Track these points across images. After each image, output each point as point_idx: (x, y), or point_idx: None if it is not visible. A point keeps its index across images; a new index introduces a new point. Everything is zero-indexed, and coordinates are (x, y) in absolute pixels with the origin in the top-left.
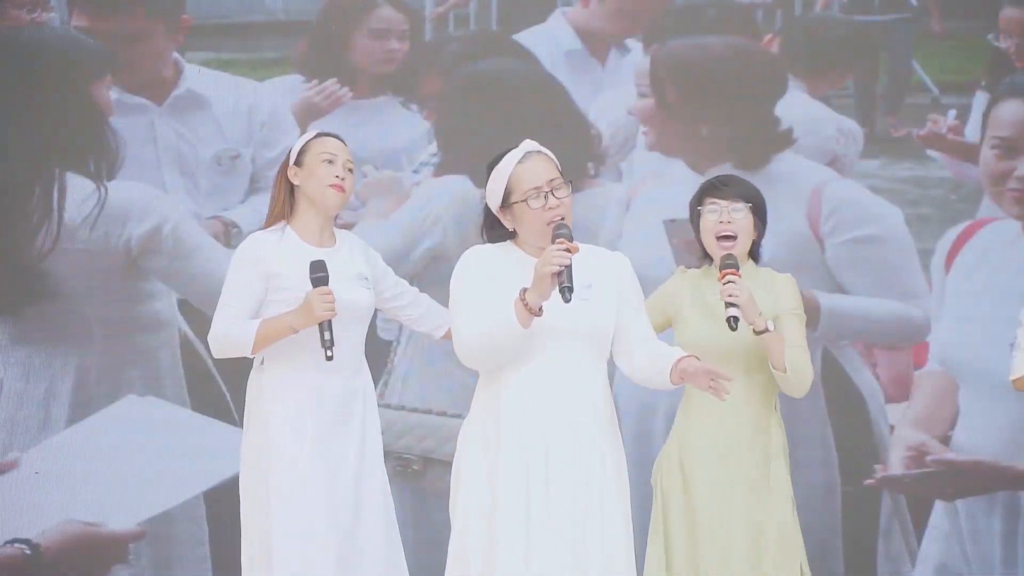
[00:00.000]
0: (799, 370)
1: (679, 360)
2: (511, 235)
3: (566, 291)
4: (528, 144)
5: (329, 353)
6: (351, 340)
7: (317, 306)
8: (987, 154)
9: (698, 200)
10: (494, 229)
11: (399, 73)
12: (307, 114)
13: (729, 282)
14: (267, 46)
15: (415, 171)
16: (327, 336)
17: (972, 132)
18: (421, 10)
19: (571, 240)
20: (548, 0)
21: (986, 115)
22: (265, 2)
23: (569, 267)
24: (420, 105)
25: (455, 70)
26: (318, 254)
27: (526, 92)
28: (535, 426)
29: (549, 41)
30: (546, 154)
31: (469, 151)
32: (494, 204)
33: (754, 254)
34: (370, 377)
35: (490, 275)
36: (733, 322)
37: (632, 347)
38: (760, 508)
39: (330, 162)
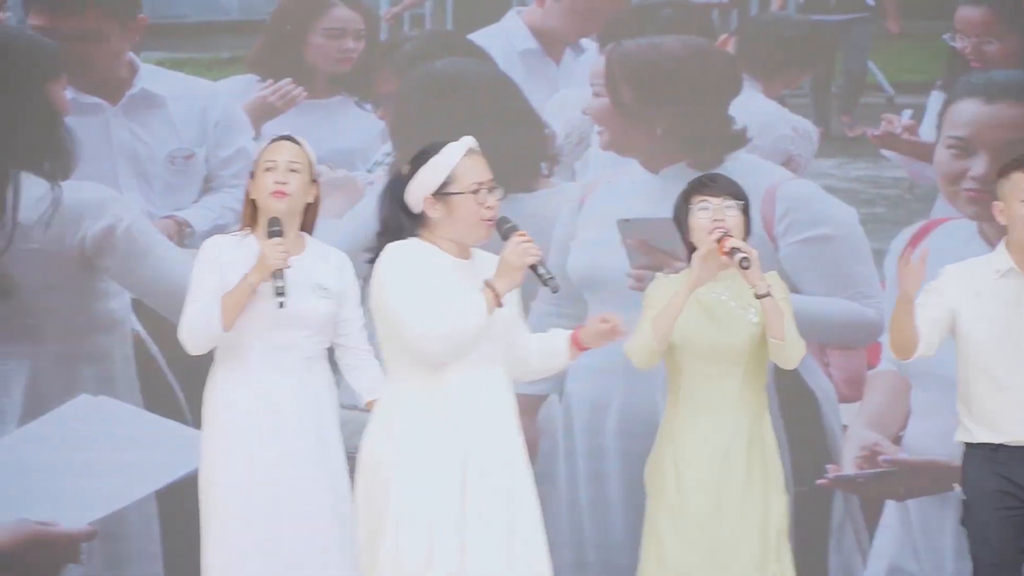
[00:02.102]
0: (794, 342)
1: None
2: (409, 232)
3: (552, 281)
4: (470, 140)
5: (280, 300)
6: (300, 348)
7: (269, 255)
8: (942, 154)
9: (686, 199)
10: (396, 221)
11: (354, 73)
12: (261, 114)
13: (727, 235)
14: (222, 46)
15: (369, 170)
16: (279, 284)
17: (927, 132)
18: (376, 10)
19: (518, 229)
20: (503, 0)
21: (941, 115)
22: (220, 2)
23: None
24: (375, 104)
25: (410, 70)
26: None
27: (481, 92)
28: (481, 422)
29: (504, 41)
30: (483, 156)
31: None
32: (425, 191)
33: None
34: (331, 385)
35: (425, 271)
36: (744, 262)
37: (521, 337)
38: (764, 507)
39: (270, 169)
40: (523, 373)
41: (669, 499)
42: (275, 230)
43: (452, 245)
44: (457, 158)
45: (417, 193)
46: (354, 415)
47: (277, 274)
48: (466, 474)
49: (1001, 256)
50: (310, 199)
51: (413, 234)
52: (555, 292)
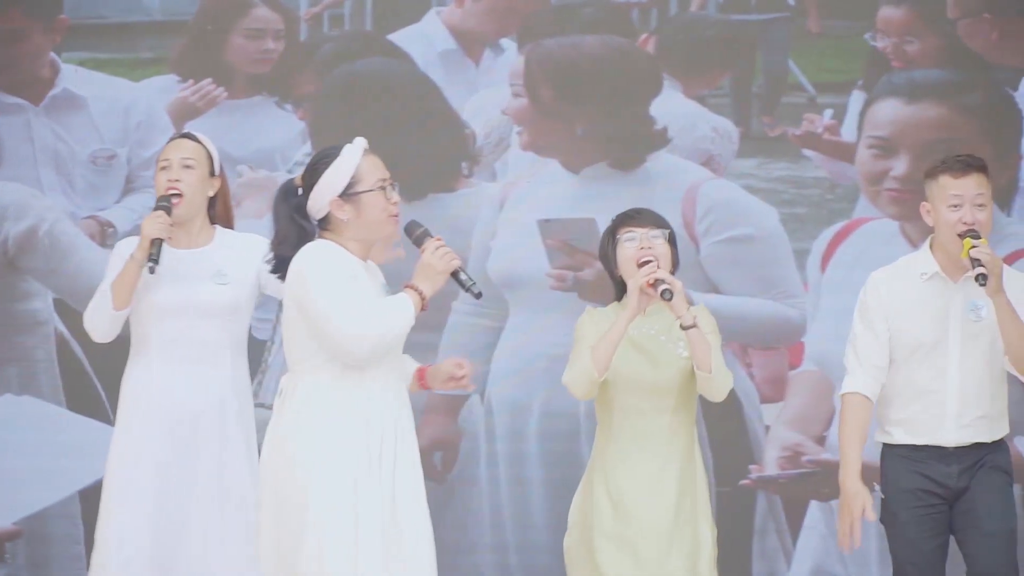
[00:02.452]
0: (722, 374)
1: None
2: (312, 238)
3: (475, 287)
4: (363, 141)
5: (151, 265)
6: (201, 338)
7: (145, 224)
8: (863, 154)
9: (612, 233)
10: (297, 229)
11: (274, 73)
12: (182, 114)
13: (647, 262)
14: (144, 46)
15: (289, 171)
16: (153, 251)
17: (848, 132)
18: (296, 10)
19: (431, 235)
20: (423, 0)
21: (863, 115)
22: (142, 2)
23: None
24: (295, 105)
25: (330, 70)
26: (179, 255)
27: (400, 92)
28: (393, 423)
29: (423, 41)
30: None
31: None
32: (331, 193)
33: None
34: (240, 377)
35: (347, 271)
36: (667, 293)
37: None
38: (694, 538)
39: (164, 168)
40: None
41: (607, 528)
42: (163, 205)
43: (357, 246)
44: (359, 158)
45: (323, 197)
46: (258, 412)
47: (155, 242)
48: (382, 474)
49: (926, 259)
50: (211, 192)
51: (320, 237)
52: (478, 298)
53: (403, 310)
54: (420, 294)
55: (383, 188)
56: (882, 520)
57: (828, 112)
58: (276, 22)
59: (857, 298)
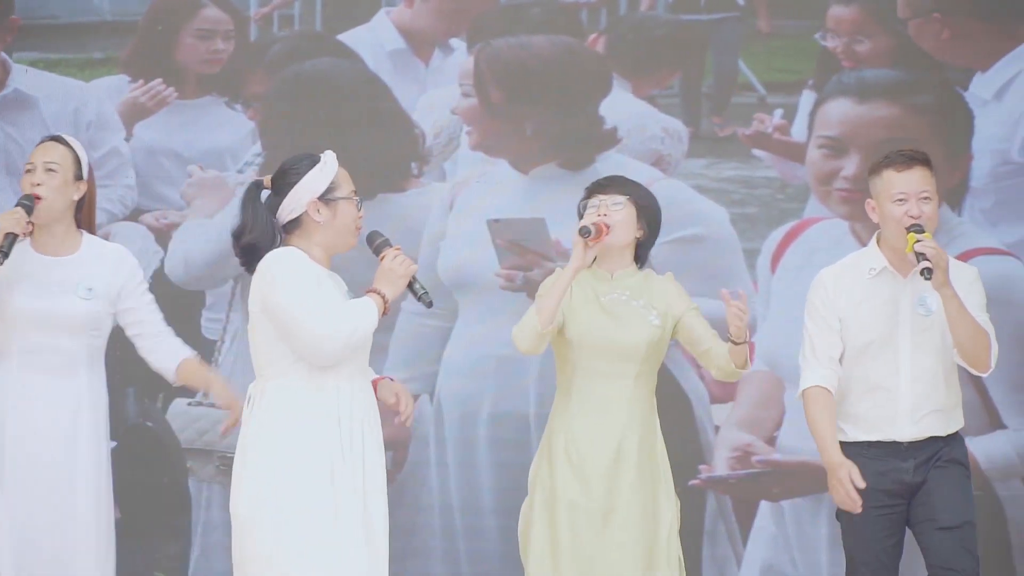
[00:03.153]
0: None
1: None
2: (280, 239)
3: (426, 296)
4: (333, 155)
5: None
6: (61, 349)
7: (2, 220)
8: (814, 154)
9: (584, 202)
10: (270, 228)
11: (224, 73)
12: (133, 114)
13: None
14: (94, 47)
15: (239, 171)
16: (4, 245)
17: (799, 131)
18: (246, 11)
19: (391, 244)
20: (372, 0)
21: (813, 114)
22: (92, 3)
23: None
24: (244, 105)
25: (279, 70)
26: (45, 262)
27: (350, 92)
28: (364, 419)
29: (373, 41)
30: None
31: (293, 151)
32: (312, 194)
33: (638, 256)
34: (97, 389)
35: (314, 275)
36: (584, 231)
37: None
38: (654, 508)
39: (29, 171)
40: None
41: (566, 492)
42: (24, 203)
43: (321, 254)
44: (336, 167)
45: (303, 197)
46: (225, 415)
47: (8, 236)
48: (354, 470)
49: (874, 255)
50: (75, 196)
51: (283, 243)
52: (428, 307)
53: (368, 312)
54: (383, 298)
55: (354, 199)
56: (837, 517)
57: (778, 112)
58: (226, 22)
59: (805, 296)
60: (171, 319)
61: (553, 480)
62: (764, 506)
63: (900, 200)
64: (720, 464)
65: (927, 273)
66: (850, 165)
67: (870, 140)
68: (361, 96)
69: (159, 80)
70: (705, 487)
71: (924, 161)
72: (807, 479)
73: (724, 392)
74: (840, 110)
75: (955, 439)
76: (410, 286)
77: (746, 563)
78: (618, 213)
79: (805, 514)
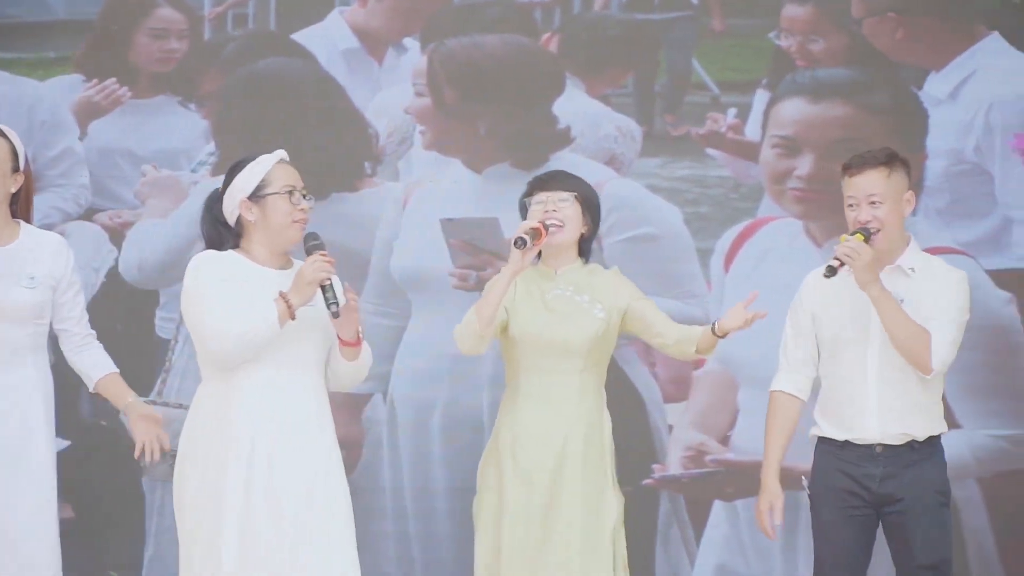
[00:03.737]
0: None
1: None
2: (232, 244)
3: (334, 307)
4: (283, 152)
5: None
6: (5, 338)
7: None
8: (768, 153)
9: (527, 196)
10: (217, 232)
11: (178, 72)
12: (87, 113)
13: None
14: (48, 46)
15: (193, 170)
16: None
17: (752, 131)
18: (200, 10)
19: (324, 249)
20: (326, 0)
21: (767, 114)
22: (47, 2)
23: (331, 282)
24: (198, 104)
25: (233, 69)
26: None
27: (304, 92)
28: (276, 424)
29: (327, 40)
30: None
31: (247, 150)
32: (243, 194)
33: (582, 250)
34: (43, 375)
35: (224, 279)
36: (519, 242)
37: None
38: (598, 504)
39: None
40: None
41: (508, 490)
42: None
43: (267, 255)
44: (270, 164)
45: (234, 198)
46: (179, 413)
47: None
48: (252, 475)
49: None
50: (13, 188)
51: (233, 246)
52: (335, 317)
53: (267, 315)
54: (288, 303)
55: (289, 193)
56: (812, 514)
57: (732, 111)
58: (180, 22)
59: (761, 298)
60: (125, 318)
61: (499, 478)
62: (718, 506)
63: (851, 205)
64: (674, 463)
65: (828, 271)
66: (804, 164)
67: (824, 140)
68: (315, 95)
69: (113, 79)
70: (658, 486)
71: (880, 163)
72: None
73: (678, 391)
74: (794, 109)
75: (932, 456)
76: (323, 292)
77: (699, 563)
78: (566, 210)
79: None
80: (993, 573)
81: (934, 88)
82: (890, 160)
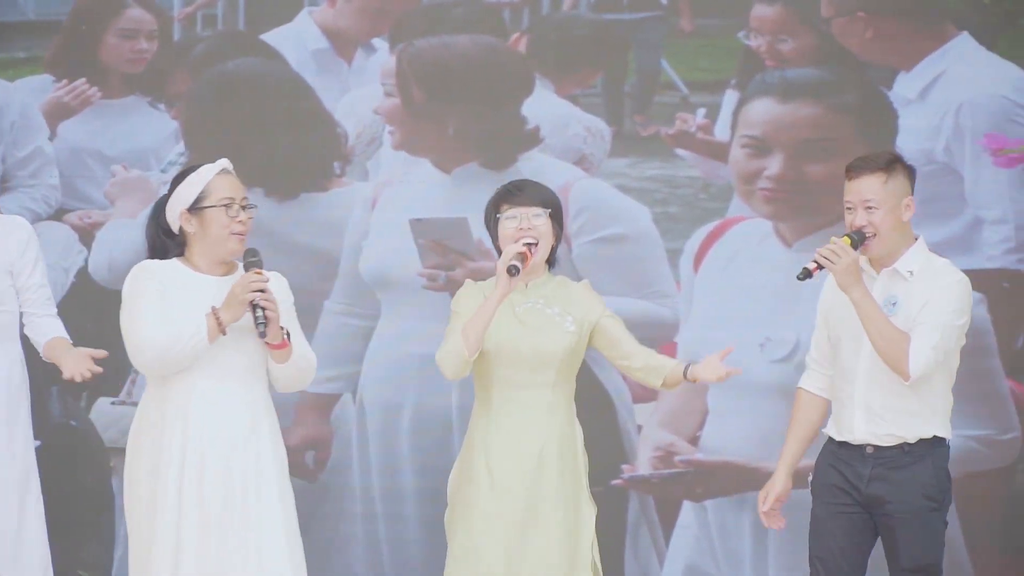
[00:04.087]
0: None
1: None
2: (177, 253)
3: (261, 326)
4: (225, 162)
5: None
6: None
7: None
8: (737, 153)
9: (495, 208)
10: (169, 238)
11: (147, 73)
12: (56, 114)
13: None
14: (18, 46)
15: (163, 170)
16: None
17: (722, 131)
18: (169, 10)
19: (261, 266)
20: (295, 0)
21: (736, 114)
22: (16, 2)
23: (259, 305)
24: (168, 105)
25: (203, 70)
26: None
27: (273, 91)
28: (210, 432)
29: (296, 41)
30: (236, 177)
31: (216, 150)
32: (183, 205)
33: (550, 260)
34: (18, 361)
35: (160, 290)
36: (513, 270)
37: None
38: (575, 516)
39: None
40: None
41: (484, 505)
42: None
43: (208, 263)
44: (210, 176)
45: (175, 209)
46: (128, 410)
47: None
48: (183, 484)
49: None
50: None
51: (178, 255)
52: (262, 338)
53: (196, 330)
54: (218, 318)
55: (226, 206)
56: (812, 508)
57: (701, 111)
58: (149, 22)
59: (730, 298)
60: (95, 319)
61: (473, 493)
62: (687, 506)
63: (848, 209)
64: (643, 464)
65: (803, 273)
66: (773, 165)
67: (793, 140)
68: (284, 96)
69: (83, 80)
70: (628, 487)
71: (879, 168)
72: (730, 479)
73: (646, 392)
74: (763, 109)
75: (926, 454)
76: (252, 311)
77: (669, 562)
78: (540, 227)
79: (728, 514)
80: (963, 572)
81: (904, 88)
82: (890, 165)
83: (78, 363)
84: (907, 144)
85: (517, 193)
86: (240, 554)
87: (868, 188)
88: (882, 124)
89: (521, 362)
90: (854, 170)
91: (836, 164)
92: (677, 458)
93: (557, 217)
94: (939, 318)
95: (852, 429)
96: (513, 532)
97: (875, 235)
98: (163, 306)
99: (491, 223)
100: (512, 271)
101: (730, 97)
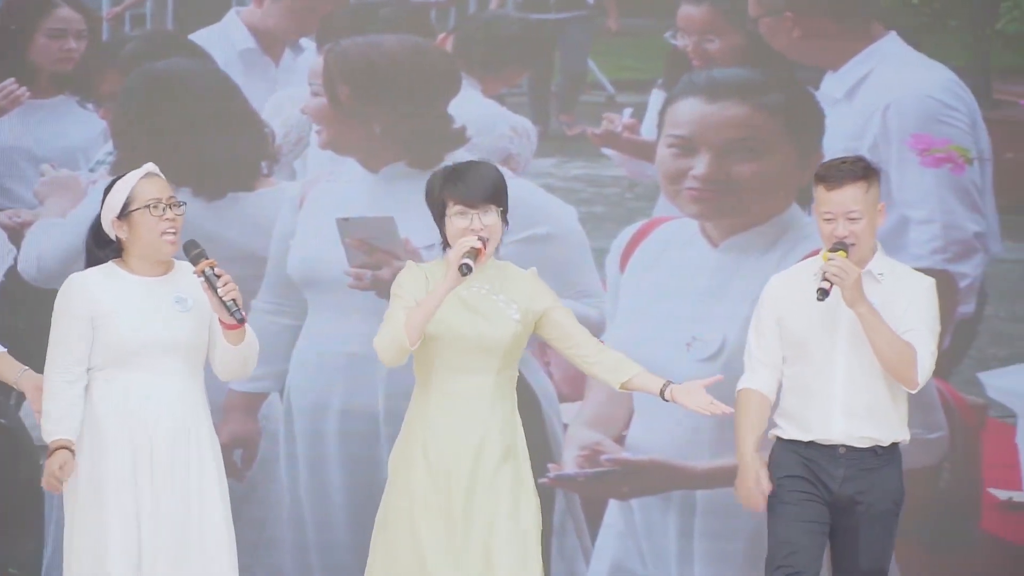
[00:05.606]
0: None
1: None
2: (115, 254)
3: (237, 313)
4: (150, 165)
5: None
6: None
7: None
8: (663, 153)
9: (440, 199)
10: (101, 248)
11: (76, 72)
12: None
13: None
14: None
15: (92, 169)
16: None
17: (648, 131)
18: (98, 10)
19: (206, 256)
20: (223, 0)
21: (662, 114)
22: None
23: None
24: (96, 104)
25: (131, 69)
26: None
27: (200, 91)
28: (153, 428)
29: (224, 40)
30: (162, 177)
31: (145, 150)
32: (112, 214)
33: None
34: None
35: (78, 316)
36: (464, 268)
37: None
38: (515, 505)
39: None
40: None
41: (421, 493)
42: None
43: (144, 265)
44: (135, 181)
45: (107, 218)
46: None
47: None
48: (137, 478)
49: (819, 259)
50: None
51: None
52: (231, 315)
53: (52, 425)
54: (70, 449)
55: (151, 206)
56: (768, 506)
57: (627, 111)
58: (78, 22)
59: (656, 298)
60: (26, 316)
61: (410, 481)
62: (613, 504)
63: (828, 219)
64: (569, 462)
65: (820, 294)
66: (700, 164)
67: (720, 139)
68: (211, 96)
69: (12, 79)
70: (554, 485)
71: (859, 177)
72: (656, 477)
73: (572, 391)
74: (690, 109)
75: (892, 457)
76: (214, 292)
77: (595, 561)
78: (492, 225)
79: (654, 512)
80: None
81: (831, 88)
82: (867, 173)
83: None
84: (834, 144)
85: (463, 187)
86: (192, 546)
87: (852, 199)
88: (809, 124)
89: (465, 347)
90: (834, 180)
91: (763, 164)
92: (603, 457)
93: (504, 204)
94: (929, 324)
95: (829, 429)
96: (456, 518)
97: (854, 244)
98: (80, 340)
99: (436, 210)
100: (464, 270)
101: (656, 97)
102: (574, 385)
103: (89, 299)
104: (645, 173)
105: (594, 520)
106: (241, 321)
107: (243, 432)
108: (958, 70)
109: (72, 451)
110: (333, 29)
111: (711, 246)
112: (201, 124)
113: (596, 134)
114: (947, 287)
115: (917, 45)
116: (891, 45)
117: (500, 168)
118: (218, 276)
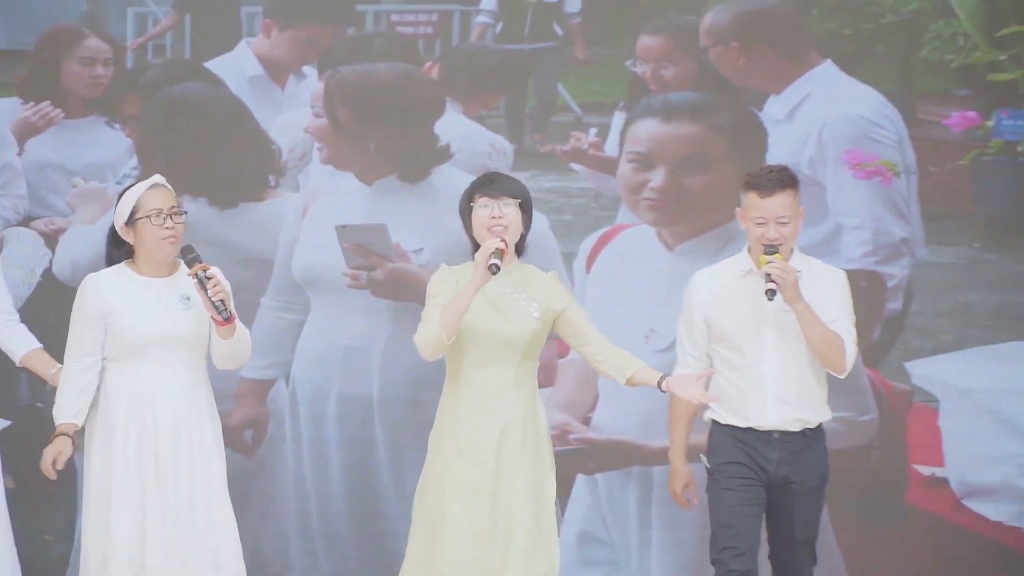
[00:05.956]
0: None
1: None
2: (128, 255)
3: (224, 312)
4: (158, 177)
5: None
6: None
7: None
8: (624, 167)
9: (469, 197)
10: (116, 249)
11: (104, 96)
12: (24, 132)
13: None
14: None
15: (119, 182)
16: None
17: (611, 148)
18: (123, 40)
19: (200, 259)
20: (235, 32)
21: (623, 132)
22: None
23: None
24: (123, 124)
25: (153, 93)
26: None
27: (215, 113)
28: (157, 420)
29: (235, 68)
30: (169, 188)
31: (166, 164)
32: (121, 221)
33: (518, 248)
34: None
35: (94, 316)
36: (494, 268)
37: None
38: (537, 485)
39: None
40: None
41: (450, 469)
42: None
43: (150, 267)
44: (141, 191)
45: (118, 224)
46: None
47: None
48: (142, 458)
49: (744, 258)
50: None
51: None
52: (218, 314)
53: (61, 412)
54: (68, 434)
55: (151, 217)
56: (707, 490)
57: (593, 131)
58: (106, 51)
59: (618, 296)
60: (60, 315)
61: (443, 460)
62: (580, 478)
63: (760, 223)
64: None
65: (770, 294)
66: (657, 177)
67: (674, 155)
68: (224, 117)
69: (47, 102)
70: None
71: (788, 185)
72: (618, 455)
73: (545, 377)
74: (647, 128)
75: (819, 436)
76: (205, 293)
77: (564, 530)
78: (510, 215)
79: (616, 486)
80: (827, 542)
81: (773, 109)
82: (793, 181)
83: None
84: (776, 159)
85: (489, 184)
86: (196, 516)
87: (783, 205)
88: (754, 141)
89: (490, 343)
90: (766, 188)
91: (712, 177)
92: (571, 436)
93: (527, 207)
94: (848, 313)
95: (763, 418)
96: (484, 498)
97: (783, 244)
98: (92, 334)
99: (465, 212)
100: (493, 269)
101: (618, 118)
102: (546, 372)
103: (101, 298)
104: (608, 185)
105: (563, 493)
106: (228, 319)
107: (254, 415)
108: (887, 93)
109: (72, 438)
110: (333, 58)
111: (667, 250)
112: (215, 142)
113: (565, 151)
114: (877, 286)
115: (850, 71)
116: (826, 71)
117: None
118: (208, 278)
